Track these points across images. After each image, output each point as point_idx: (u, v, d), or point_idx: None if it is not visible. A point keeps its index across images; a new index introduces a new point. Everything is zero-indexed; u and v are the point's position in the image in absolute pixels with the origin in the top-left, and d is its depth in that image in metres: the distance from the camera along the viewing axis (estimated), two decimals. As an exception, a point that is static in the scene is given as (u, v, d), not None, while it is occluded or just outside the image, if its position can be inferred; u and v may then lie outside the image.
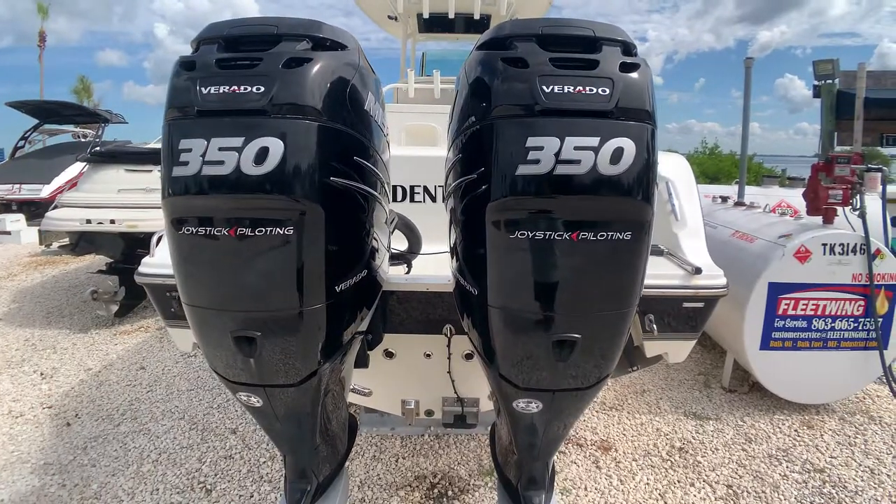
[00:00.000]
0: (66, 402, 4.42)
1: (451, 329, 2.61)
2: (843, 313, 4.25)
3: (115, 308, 5.92)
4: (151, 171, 6.05)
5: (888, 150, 16.38)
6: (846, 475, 3.54)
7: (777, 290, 4.14)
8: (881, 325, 4.27)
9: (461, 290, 1.82)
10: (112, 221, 5.62)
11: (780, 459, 3.69)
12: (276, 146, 1.40)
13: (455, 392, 2.90)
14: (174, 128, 1.46)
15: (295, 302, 1.58)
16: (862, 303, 4.25)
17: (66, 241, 6.67)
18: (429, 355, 2.81)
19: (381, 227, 1.97)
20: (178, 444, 3.74)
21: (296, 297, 1.58)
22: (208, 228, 1.48)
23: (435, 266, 2.62)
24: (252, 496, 3.21)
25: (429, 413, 3.04)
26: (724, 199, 6.04)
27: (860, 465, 3.66)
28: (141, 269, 2.59)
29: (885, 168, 4.66)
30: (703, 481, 3.45)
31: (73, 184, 6.47)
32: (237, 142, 1.38)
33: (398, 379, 2.95)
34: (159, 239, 2.86)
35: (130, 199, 5.89)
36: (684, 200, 3.01)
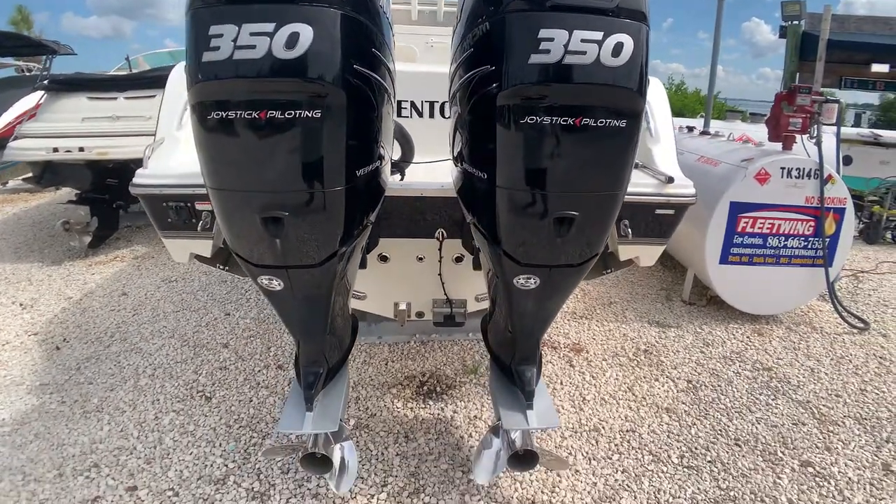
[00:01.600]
0: (51, 329, 4.51)
1: (442, 233, 2.82)
2: (795, 232, 4.65)
3: (87, 239, 5.93)
4: (116, 98, 5.95)
5: (846, 92, 17.01)
6: (790, 373, 3.99)
7: (737, 209, 4.50)
8: (827, 245, 4.69)
9: (468, 180, 2.02)
10: (81, 149, 5.55)
11: (733, 360, 4.12)
12: (305, 32, 1.52)
13: (445, 294, 3.15)
14: (202, 15, 1.54)
15: (320, 183, 1.74)
16: (812, 223, 4.65)
17: (24, 176, 6.54)
18: (421, 259, 3.03)
19: (388, 126, 2.12)
20: (172, 360, 3.92)
21: (321, 179, 1.74)
22: (239, 112, 1.59)
23: (424, 175, 2.80)
24: (251, 400, 3.44)
25: (419, 315, 3.29)
26: (691, 128, 6.34)
27: (802, 365, 4.12)
28: (136, 180, 2.67)
29: (841, 101, 5.00)
30: (667, 377, 3.84)
31: (30, 115, 6.27)
32: (269, 27, 1.49)
33: (391, 282, 3.17)
34: (151, 151, 2.94)
35: (97, 128, 5.79)
36: (659, 120, 3.24)
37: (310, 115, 1.62)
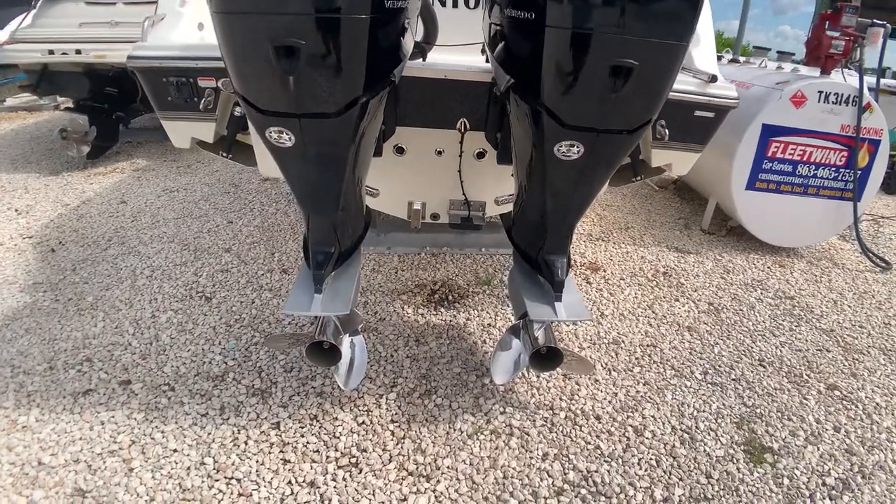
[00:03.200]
0: (47, 233, 4.25)
1: (465, 124, 2.52)
2: (827, 162, 4.33)
3: (86, 149, 5.60)
4: (115, 3, 5.51)
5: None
6: (813, 303, 3.75)
7: (769, 132, 4.17)
8: (858, 178, 4.38)
9: (511, 28, 1.72)
10: (78, 52, 5.16)
11: (755, 287, 3.87)
12: None
13: (463, 193, 2.86)
14: None
15: (344, 5, 1.46)
16: (845, 154, 4.33)
17: (20, 97, 6.16)
18: (440, 152, 2.73)
19: None
20: (172, 262, 3.67)
21: (345, 1, 1.46)
22: None
23: (450, 59, 2.48)
24: (254, 302, 3.20)
25: (434, 217, 3.02)
26: (719, 57, 5.92)
27: (825, 297, 3.87)
28: (133, 52, 2.38)
29: (887, 25, 4.59)
30: (687, 298, 3.60)
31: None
32: None
33: (407, 179, 2.89)
34: (151, 24, 2.63)
35: (95, 34, 5.38)
36: (701, 22, 2.94)
37: None
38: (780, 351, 3.17)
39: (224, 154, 2.79)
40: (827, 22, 4.38)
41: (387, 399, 2.50)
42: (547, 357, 2.26)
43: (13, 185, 5.39)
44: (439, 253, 3.86)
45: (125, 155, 6.16)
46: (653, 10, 1.57)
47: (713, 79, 2.61)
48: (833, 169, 4.36)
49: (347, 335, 2.28)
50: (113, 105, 5.82)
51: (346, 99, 1.62)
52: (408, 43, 1.92)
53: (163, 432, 2.32)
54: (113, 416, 2.40)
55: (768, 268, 4.23)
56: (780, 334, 3.34)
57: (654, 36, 1.59)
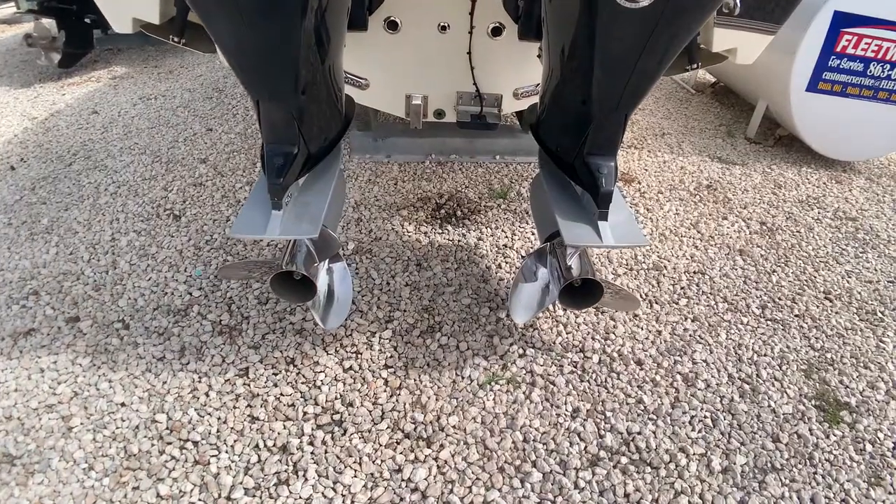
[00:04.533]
0: (8, 150, 3.70)
1: None
2: (905, 60, 3.56)
3: (56, 57, 4.92)
4: None
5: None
6: (878, 226, 3.15)
7: (841, 22, 3.39)
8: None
9: None
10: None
11: (811, 206, 3.27)
12: None
13: (474, 83, 2.23)
14: None
15: None
16: (928, 51, 3.54)
17: None
18: (444, 28, 2.08)
19: None
20: (140, 177, 3.12)
21: None
22: None
23: None
24: (228, 220, 2.69)
25: (438, 114, 2.40)
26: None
27: (890, 219, 3.26)
28: None
29: None
30: (736, 216, 3.03)
31: None
32: None
33: (403, 63, 2.25)
34: None
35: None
36: None
37: None
38: (848, 282, 2.61)
39: (175, 39, 2.17)
40: None
41: (380, 338, 2.01)
42: (581, 291, 1.72)
43: (-21, 98, 4.79)
44: (446, 161, 3.25)
45: (103, 63, 5.48)
46: None
47: None
48: (912, 69, 3.60)
49: (324, 263, 1.75)
50: (83, 6, 5.07)
51: None
52: None
53: (110, 381, 1.87)
54: (55, 362, 1.95)
55: (824, 183, 3.58)
56: (844, 262, 2.77)
57: None
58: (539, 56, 2.10)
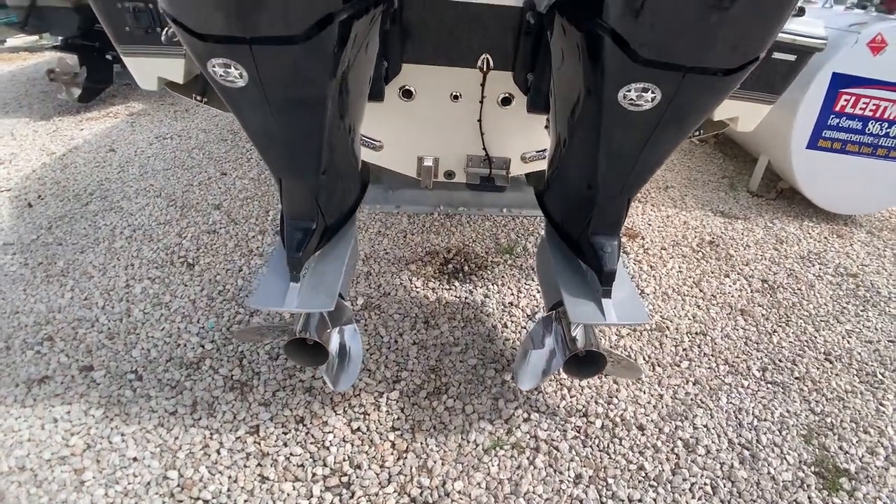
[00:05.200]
0: (27, 185, 3.79)
1: (488, 61, 1.96)
2: (903, 118, 3.66)
3: (77, 91, 5.06)
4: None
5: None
6: (879, 282, 3.20)
7: (840, 83, 3.50)
8: (936, 137, 3.71)
9: None
10: (65, -13, 4.56)
11: (812, 261, 3.32)
12: None
13: (484, 148, 2.31)
14: None
15: None
16: (924, 109, 3.64)
17: (21, 37, 5.61)
18: (456, 97, 2.18)
19: None
20: (155, 221, 3.20)
21: None
22: None
23: None
24: (241, 270, 2.74)
25: (449, 175, 2.48)
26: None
27: (891, 274, 3.32)
28: None
29: None
30: (738, 274, 3.08)
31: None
32: None
33: (416, 128, 2.34)
34: None
35: (83, -37, 4.75)
36: None
37: None
38: (848, 342, 2.66)
39: (198, 98, 2.28)
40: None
41: (387, 399, 2.05)
42: (585, 360, 1.77)
43: (0, 130, 4.91)
44: (455, 214, 3.33)
45: (121, 98, 5.63)
46: None
47: (800, 12, 2.01)
48: (908, 127, 3.70)
49: (336, 329, 1.80)
50: (104, 43, 5.23)
51: (317, 14, 1.09)
52: None
53: (122, 434, 1.91)
54: (69, 412, 1.99)
55: (825, 238, 3.65)
56: (845, 321, 2.81)
57: None
58: (546, 127, 2.18)
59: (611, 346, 2.41)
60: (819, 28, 2.08)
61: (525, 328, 2.45)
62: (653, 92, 1.22)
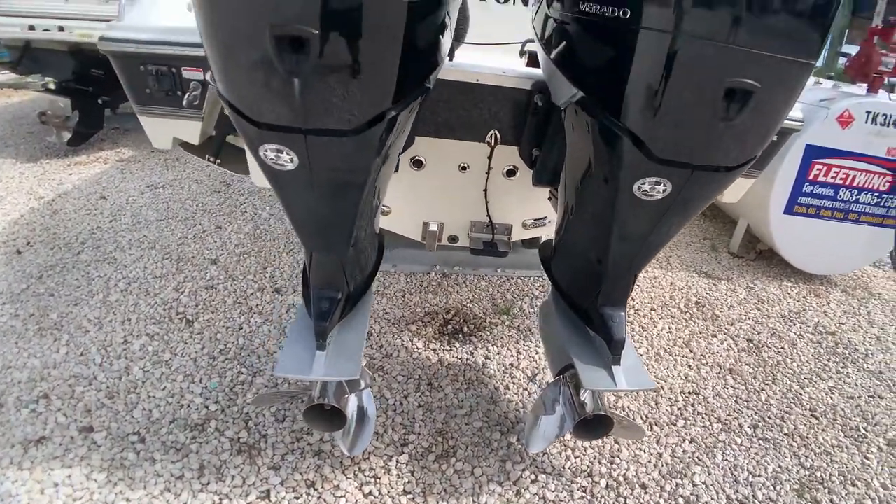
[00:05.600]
0: (15, 231, 3.74)
1: (495, 136, 2.08)
2: (870, 186, 3.94)
3: (67, 135, 5.06)
4: (104, -23, 4.95)
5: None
6: (856, 339, 3.37)
7: (812, 154, 3.76)
8: (901, 204, 3.98)
9: (589, 22, 1.27)
10: (61, 29, 4.62)
11: (793, 320, 3.47)
12: None
13: (488, 215, 2.41)
14: None
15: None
16: (889, 179, 3.94)
17: (4, 72, 5.62)
18: (464, 168, 2.28)
19: None
20: (150, 274, 3.18)
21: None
22: None
23: (479, 59, 2.03)
24: (241, 328, 2.74)
25: (452, 239, 2.57)
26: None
27: (867, 332, 3.49)
28: (107, 33, 1.93)
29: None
30: (725, 334, 3.19)
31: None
32: None
33: (424, 196, 2.43)
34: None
35: (81, 10, 4.83)
36: None
37: None
38: (832, 398, 2.78)
39: (211, 159, 2.33)
40: (876, 37, 3.96)
41: (397, 463, 2.06)
42: (593, 423, 1.83)
43: (-15, 172, 4.85)
44: (451, 273, 3.40)
45: (110, 143, 5.63)
46: (782, 22, 1.15)
47: None
48: (875, 194, 3.96)
49: (353, 394, 1.83)
50: (98, 89, 5.27)
51: (371, 112, 1.18)
52: (447, 41, 1.47)
53: (128, 500, 1.88)
54: (69, 476, 1.95)
55: (804, 297, 3.82)
56: (827, 377, 2.94)
57: (783, 52, 1.16)
58: (550, 198, 2.30)
59: (609, 406, 2.47)
60: (797, 111, 2.27)
61: (526, 390, 2.51)
62: (664, 185, 1.33)
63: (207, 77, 1.92)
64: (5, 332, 2.67)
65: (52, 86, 5.12)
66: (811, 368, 3.00)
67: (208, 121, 2.14)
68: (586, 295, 1.80)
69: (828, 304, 3.79)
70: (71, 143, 5.17)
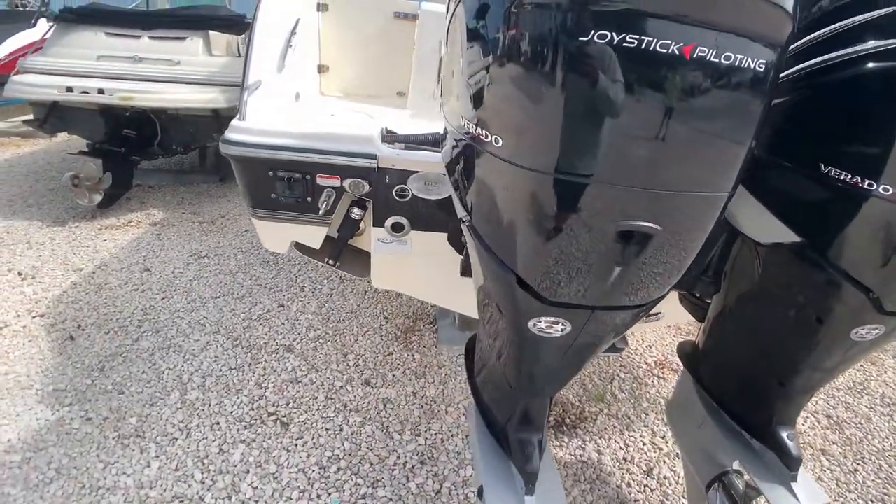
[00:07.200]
0: (60, 310, 3.54)
1: None
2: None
3: (98, 198, 4.84)
4: (140, 37, 4.81)
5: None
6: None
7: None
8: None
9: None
10: (101, 91, 4.45)
11: (859, 392, 3.47)
12: None
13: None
14: None
15: (713, 180, 1.02)
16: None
17: (24, 118, 5.41)
18: None
19: None
20: (225, 366, 3.02)
21: (718, 173, 1.01)
22: (637, 38, 0.82)
23: None
24: (341, 429, 2.60)
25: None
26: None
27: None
28: (231, 135, 1.83)
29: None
30: (805, 411, 3.17)
31: (35, 48, 5.09)
32: None
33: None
34: (248, 96, 2.05)
35: (115, 69, 4.67)
36: None
37: (760, 63, 0.88)
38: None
39: (330, 262, 2.21)
40: None
41: None
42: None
43: (13, 236, 4.61)
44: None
45: (137, 202, 5.42)
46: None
47: None
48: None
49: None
50: (130, 149, 5.10)
51: (661, 290, 1.18)
52: None
53: None
54: None
55: (862, 367, 3.83)
56: (914, 454, 2.93)
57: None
58: (682, 301, 2.24)
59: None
60: None
61: (647, 486, 2.42)
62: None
63: (345, 184, 1.83)
64: (81, 442, 2.48)
65: (85, 148, 4.93)
66: (892, 444, 2.99)
67: (333, 227, 2.04)
68: (757, 412, 1.76)
69: (885, 371, 3.80)
70: (101, 206, 4.96)
